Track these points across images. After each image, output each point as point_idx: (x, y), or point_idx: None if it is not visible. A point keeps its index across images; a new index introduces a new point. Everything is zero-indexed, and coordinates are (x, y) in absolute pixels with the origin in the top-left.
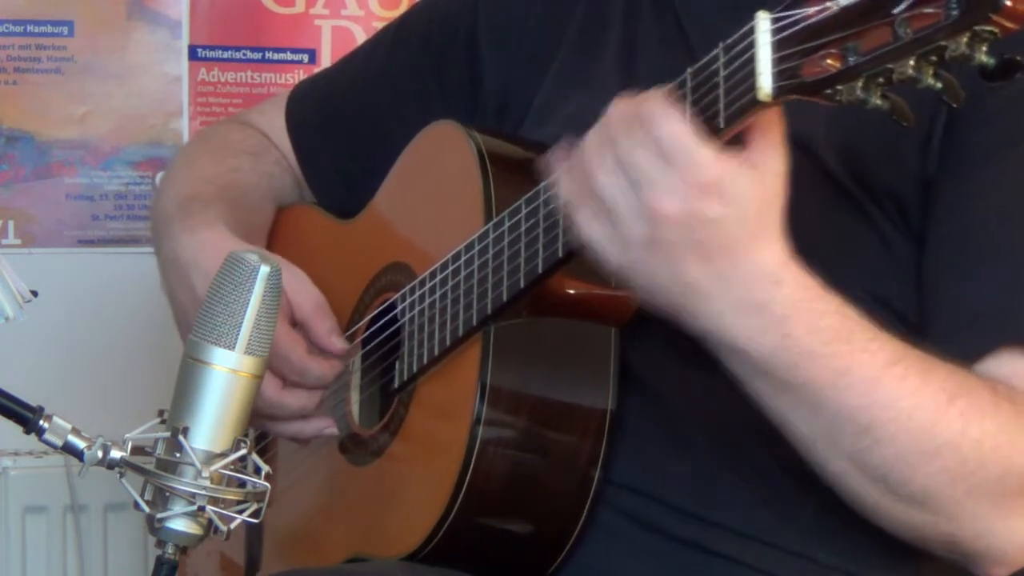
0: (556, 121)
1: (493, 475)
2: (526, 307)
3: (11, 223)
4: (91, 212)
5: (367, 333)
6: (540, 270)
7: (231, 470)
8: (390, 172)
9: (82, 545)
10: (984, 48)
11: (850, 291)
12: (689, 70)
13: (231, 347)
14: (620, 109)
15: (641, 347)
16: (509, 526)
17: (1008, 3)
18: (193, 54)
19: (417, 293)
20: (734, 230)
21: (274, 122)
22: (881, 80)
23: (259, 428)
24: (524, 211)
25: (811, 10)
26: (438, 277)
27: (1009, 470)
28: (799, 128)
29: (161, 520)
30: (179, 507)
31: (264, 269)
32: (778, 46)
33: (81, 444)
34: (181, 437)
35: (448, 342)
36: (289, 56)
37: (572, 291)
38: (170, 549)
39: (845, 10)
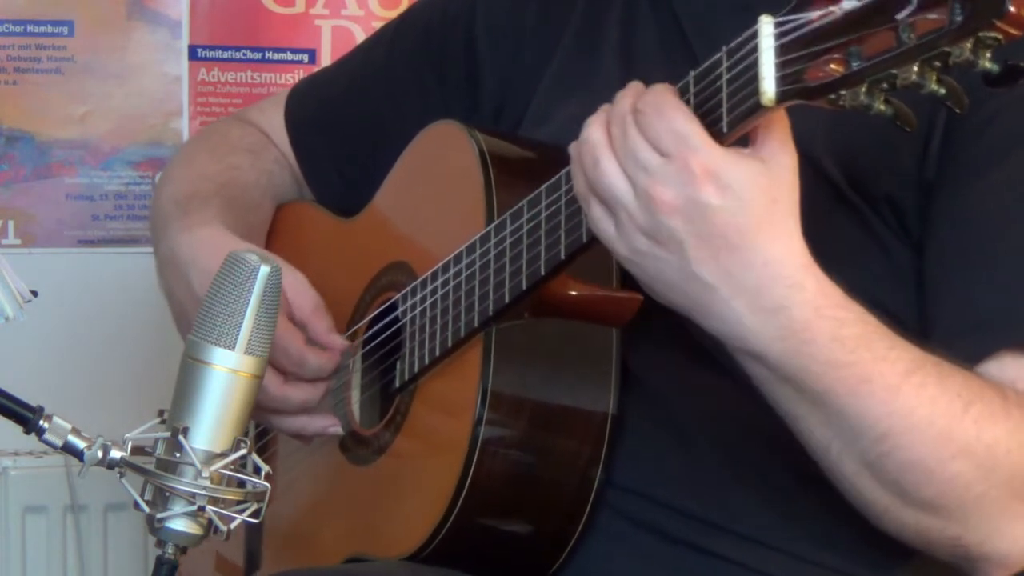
0: (554, 123)
1: (494, 476)
2: (528, 308)
3: (11, 223)
4: (91, 212)
5: (368, 333)
6: (542, 272)
7: (231, 470)
8: (391, 171)
9: (82, 545)
10: (988, 54)
11: (849, 296)
12: (692, 74)
13: (231, 347)
14: (623, 99)
15: (642, 348)
16: (510, 527)
17: (1012, 9)
18: (193, 54)
19: (419, 293)
20: (736, 221)
21: (273, 120)
22: (885, 85)
23: (263, 424)
24: (527, 213)
25: (815, 15)
26: (440, 278)
27: (1018, 474)
28: (797, 134)
29: (161, 520)
30: (179, 507)
31: (264, 269)
32: (781, 51)
33: (81, 444)
34: (181, 437)
35: (450, 343)
36: (289, 56)
37: (574, 293)
38: (170, 549)
39: (849, 15)
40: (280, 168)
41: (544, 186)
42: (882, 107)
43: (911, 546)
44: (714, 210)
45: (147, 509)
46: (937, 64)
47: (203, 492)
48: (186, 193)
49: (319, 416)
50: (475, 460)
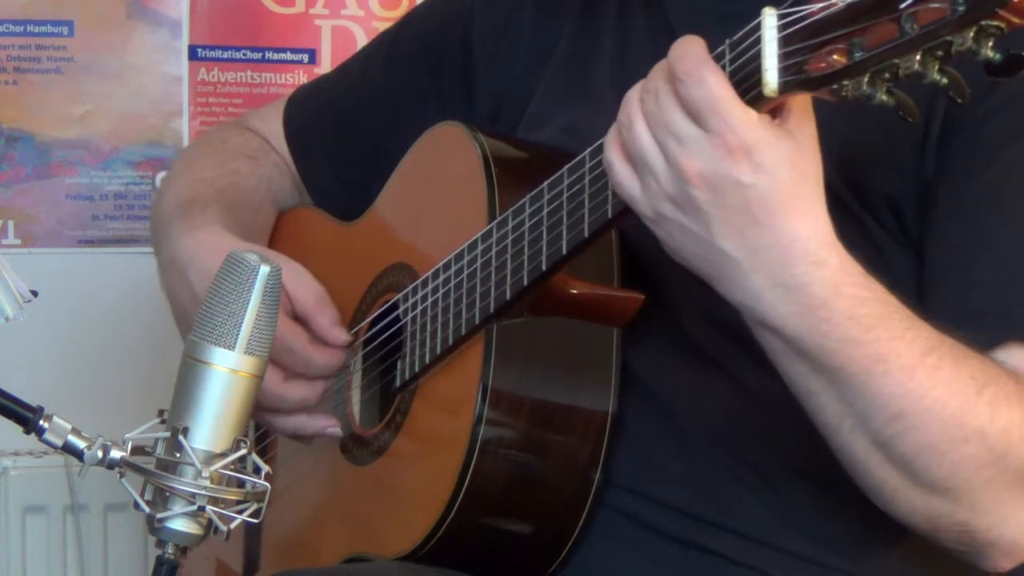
0: (549, 129)
1: (493, 475)
2: (528, 307)
3: (11, 223)
4: (91, 212)
5: (369, 333)
6: (544, 267)
7: (231, 470)
8: (393, 173)
9: (82, 545)
10: (990, 43)
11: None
12: None
13: (231, 347)
14: (664, 65)
15: (643, 348)
16: (509, 526)
17: None
18: (193, 54)
19: (420, 292)
20: (767, 198)
21: (274, 126)
22: (887, 75)
23: (261, 424)
24: (528, 209)
25: (817, 6)
26: (441, 276)
27: None
28: None
29: (161, 520)
30: (179, 507)
31: (264, 269)
32: (784, 41)
33: (81, 444)
34: (181, 437)
35: (451, 341)
36: (289, 56)
37: (575, 291)
38: (170, 549)
39: (851, 6)
40: (280, 174)
41: (546, 182)
42: (884, 97)
43: (920, 533)
44: (745, 187)
45: (147, 509)
46: (939, 53)
47: (203, 492)
48: (187, 198)
49: (318, 416)
50: (474, 458)
